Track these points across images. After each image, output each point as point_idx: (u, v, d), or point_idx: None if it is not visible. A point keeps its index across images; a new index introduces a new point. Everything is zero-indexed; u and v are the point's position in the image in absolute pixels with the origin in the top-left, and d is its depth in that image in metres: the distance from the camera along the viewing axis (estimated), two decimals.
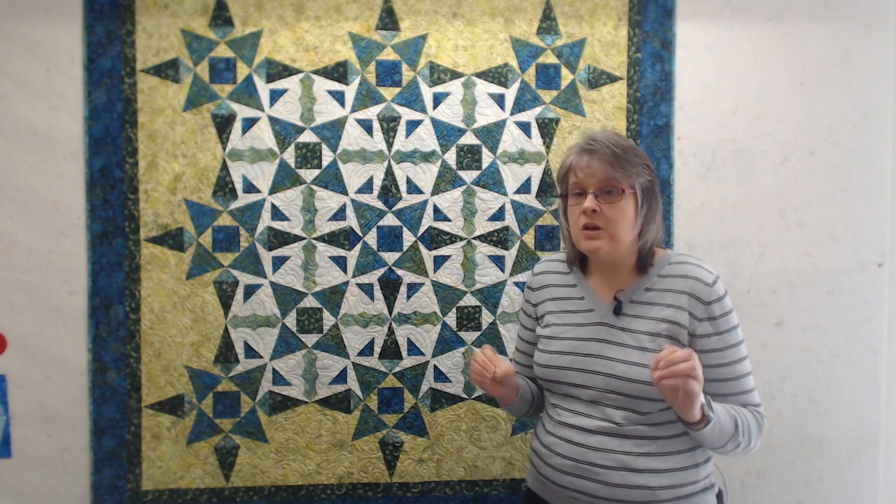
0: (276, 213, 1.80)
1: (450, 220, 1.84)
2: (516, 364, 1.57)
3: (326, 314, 1.82)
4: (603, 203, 1.29)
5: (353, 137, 1.81)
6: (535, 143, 1.84)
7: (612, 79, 1.85)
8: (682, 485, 1.29)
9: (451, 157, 1.83)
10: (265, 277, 1.81)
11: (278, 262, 1.81)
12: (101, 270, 1.76)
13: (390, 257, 1.83)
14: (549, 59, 1.84)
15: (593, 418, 1.30)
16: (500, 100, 1.83)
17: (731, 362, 1.29)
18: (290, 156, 1.80)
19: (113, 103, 1.75)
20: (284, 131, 1.80)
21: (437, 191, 1.83)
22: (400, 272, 1.83)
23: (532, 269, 1.55)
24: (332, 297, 1.82)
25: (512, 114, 1.84)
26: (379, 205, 1.82)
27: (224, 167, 1.79)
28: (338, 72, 1.81)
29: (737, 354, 1.30)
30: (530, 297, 1.51)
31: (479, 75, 1.83)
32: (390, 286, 1.83)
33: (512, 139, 1.84)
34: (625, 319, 1.33)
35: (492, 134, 1.84)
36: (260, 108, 1.79)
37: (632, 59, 1.85)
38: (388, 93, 1.82)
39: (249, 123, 1.79)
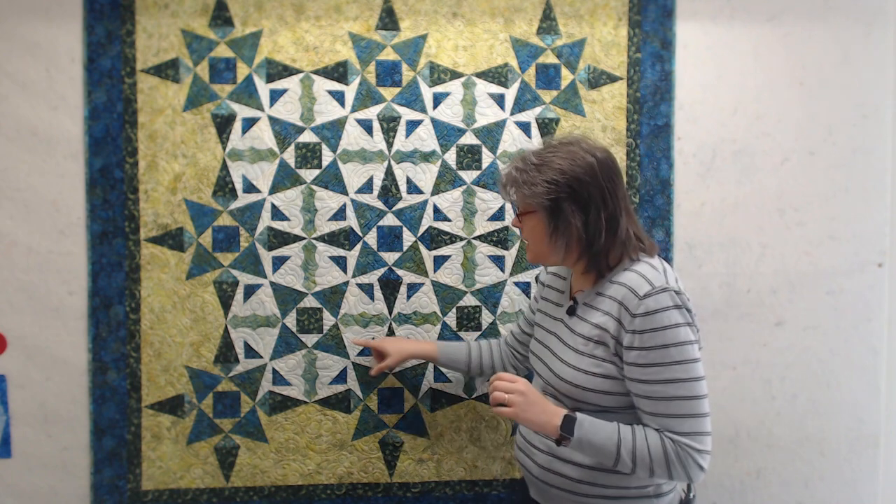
0: (276, 213, 1.80)
1: (450, 220, 1.84)
2: (510, 333, 1.72)
3: (326, 314, 1.82)
4: (521, 221, 1.40)
5: (353, 137, 1.81)
6: (536, 143, 1.84)
7: (612, 79, 1.85)
8: (607, 486, 1.30)
9: (451, 157, 1.83)
10: (265, 277, 1.81)
11: (278, 262, 1.81)
12: (101, 270, 1.76)
13: (390, 257, 1.83)
14: (549, 59, 1.84)
15: None
16: (500, 100, 1.83)
17: (652, 381, 1.21)
18: (290, 156, 1.80)
19: (113, 103, 1.75)
20: (284, 131, 1.80)
21: (437, 191, 1.83)
22: (400, 272, 1.83)
23: None
24: (332, 297, 1.82)
25: (512, 114, 1.84)
26: (379, 205, 1.82)
27: (224, 167, 1.79)
28: (338, 72, 1.81)
29: (662, 374, 1.20)
30: (542, 279, 1.59)
31: (479, 75, 1.83)
32: (390, 286, 1.83)
33: (512, 139, 1.84)
34: (573, 320, 1.37)
35: (492, 134, 1.84)
36: (260, 108, 1.79)
37: (632, 59, 1.85)
38: (388, 93, 1.82)
39: (249, 123, 1.79)
